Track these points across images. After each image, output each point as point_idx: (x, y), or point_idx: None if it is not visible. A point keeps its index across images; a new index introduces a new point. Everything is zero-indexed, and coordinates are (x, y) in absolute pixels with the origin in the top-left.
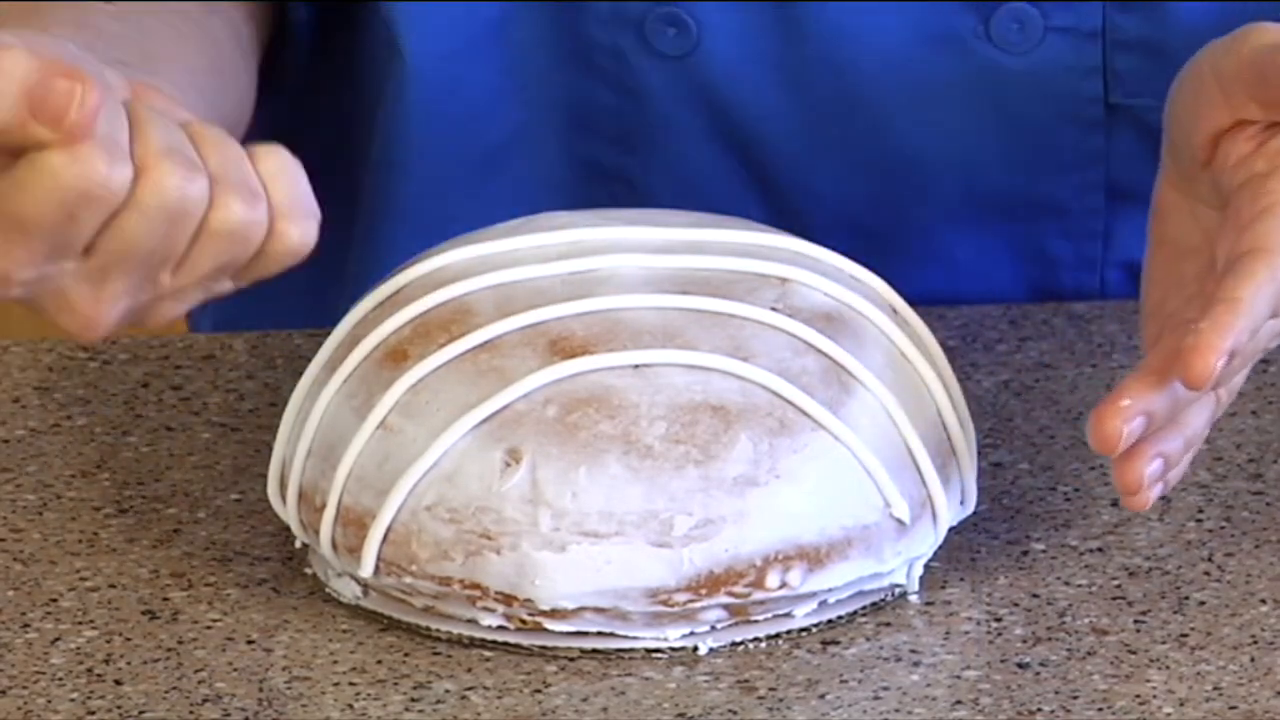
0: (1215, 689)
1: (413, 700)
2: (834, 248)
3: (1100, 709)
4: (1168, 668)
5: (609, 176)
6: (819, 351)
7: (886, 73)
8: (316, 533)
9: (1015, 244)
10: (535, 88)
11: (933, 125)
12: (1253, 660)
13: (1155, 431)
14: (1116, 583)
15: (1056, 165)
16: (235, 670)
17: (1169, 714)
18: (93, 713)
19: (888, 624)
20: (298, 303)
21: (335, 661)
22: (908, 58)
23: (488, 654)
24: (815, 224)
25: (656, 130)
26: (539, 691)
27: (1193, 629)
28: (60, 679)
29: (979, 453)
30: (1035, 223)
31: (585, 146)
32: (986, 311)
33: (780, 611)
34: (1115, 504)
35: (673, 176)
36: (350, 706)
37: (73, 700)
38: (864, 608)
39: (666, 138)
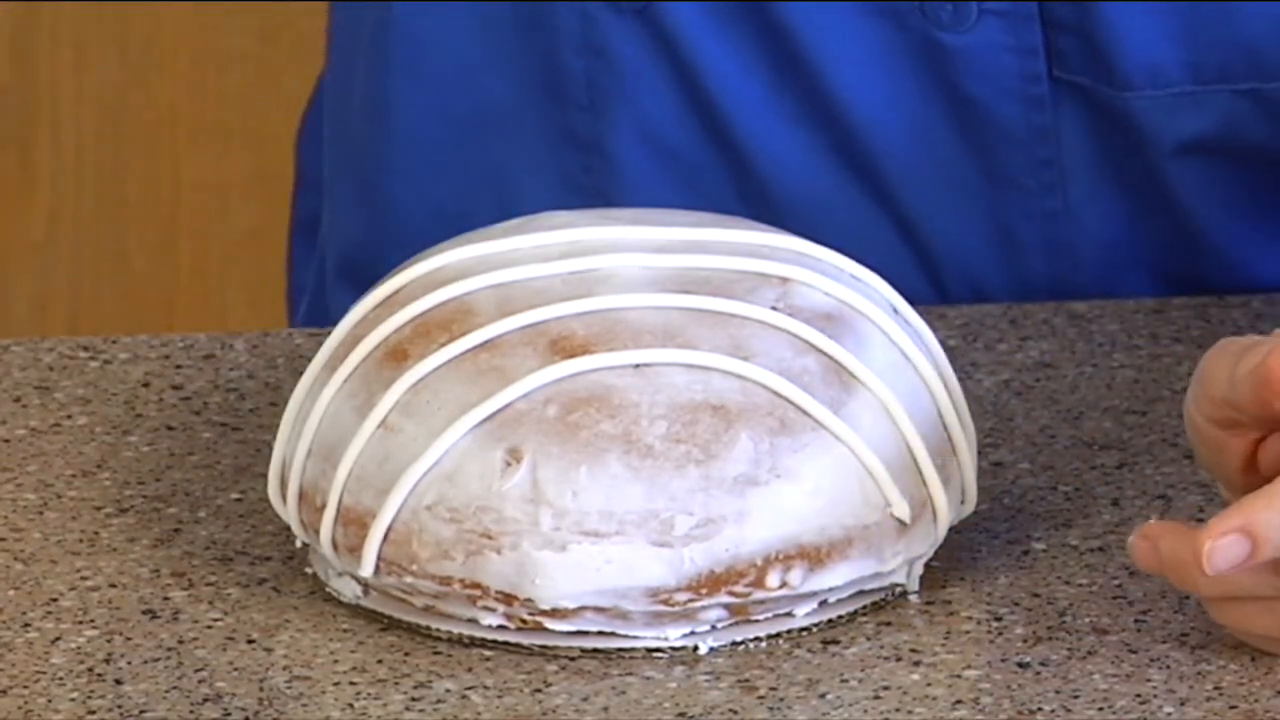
0: (1216, 688)
1: (413, 700)
2: (801, 215)
3: (1101, 708)
4: (1168, 667)
5: (583, 146)
6: (820, 351)
7: (833, 40)
8: (317, 532)
9: (981, 222)
10: (509, 58)
11: (883, 94)
12: (1253, 660)
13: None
14: (1117, 582)
15: (1008, 141)
16: (236, 670)
17: (1170, 713)
18: (93, 712)
19: (888, 623)
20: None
21: (336, 661)
22: (851, 26)
23: (488, 653)
24: (780, 185)
25: (625, 91)
26: (539, 691)
27: (1193, 628)
28: (61, 678)
29: (979, 452)
30: (996, 199)
31: (559, 116)
32: (987, 310)
33: (781, 611)
34: (1116, 503)
35: (643, 140)
36: (351, 706)
37: (73, 700)
38: (864, 607)
39: (635, 98)
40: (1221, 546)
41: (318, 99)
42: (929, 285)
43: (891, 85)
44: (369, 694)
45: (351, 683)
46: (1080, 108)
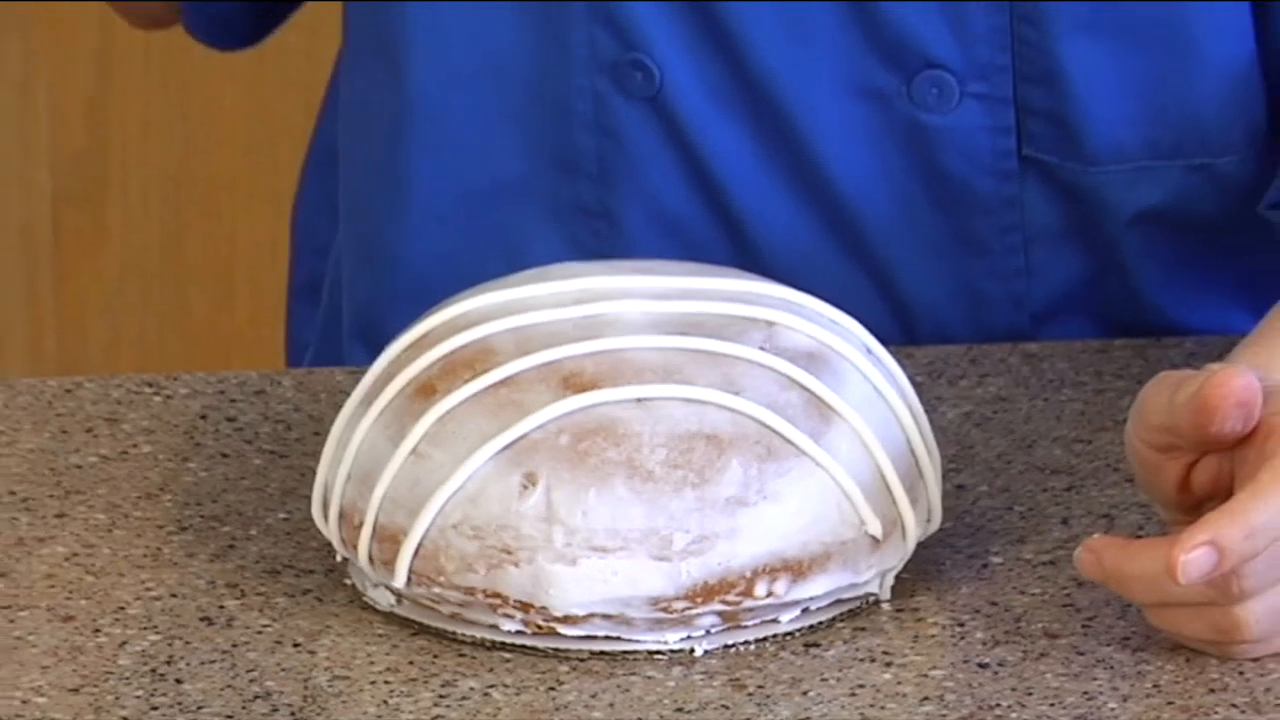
0: (1155, 686)
1: (440, 697)
2: (787, 270)
3: (1052, 704)
4: (1112, 667)
5: (591, 214)
6: (801, 387)
7: (825, 120)
8: (355, 548)
9: (950, 280)
10: (524, 135)
11: (869, 169)
12: (1188, 660)
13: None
14: (1066, 592)
15: (978, 209)
16: (283, 670)
17: (1114, 709)
18: (156, 708)
19: (863, 629)
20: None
21: (372, 662)
22: (842, 109)
23: (507, 655)
24: (773, 253)
25: (632, 168)
26: (553, 689)
27: (1134, 632)
28: (127, 678)
29: (944, 476)
30: (965, 261)
31: (571, 188)
32: (950, 350)
33: (767, 618)
34: (1065, 522)
35: (648, 211)
36: (385, 703)
37: (138, 697)
38: (842, 614)
39: (641, 175)
40: (1193, 559)
41: (311, 173)
42: (899, 329)
43: (876, 160)
44: (401, 692)
45: (386, 682)
46: (1044, 180)
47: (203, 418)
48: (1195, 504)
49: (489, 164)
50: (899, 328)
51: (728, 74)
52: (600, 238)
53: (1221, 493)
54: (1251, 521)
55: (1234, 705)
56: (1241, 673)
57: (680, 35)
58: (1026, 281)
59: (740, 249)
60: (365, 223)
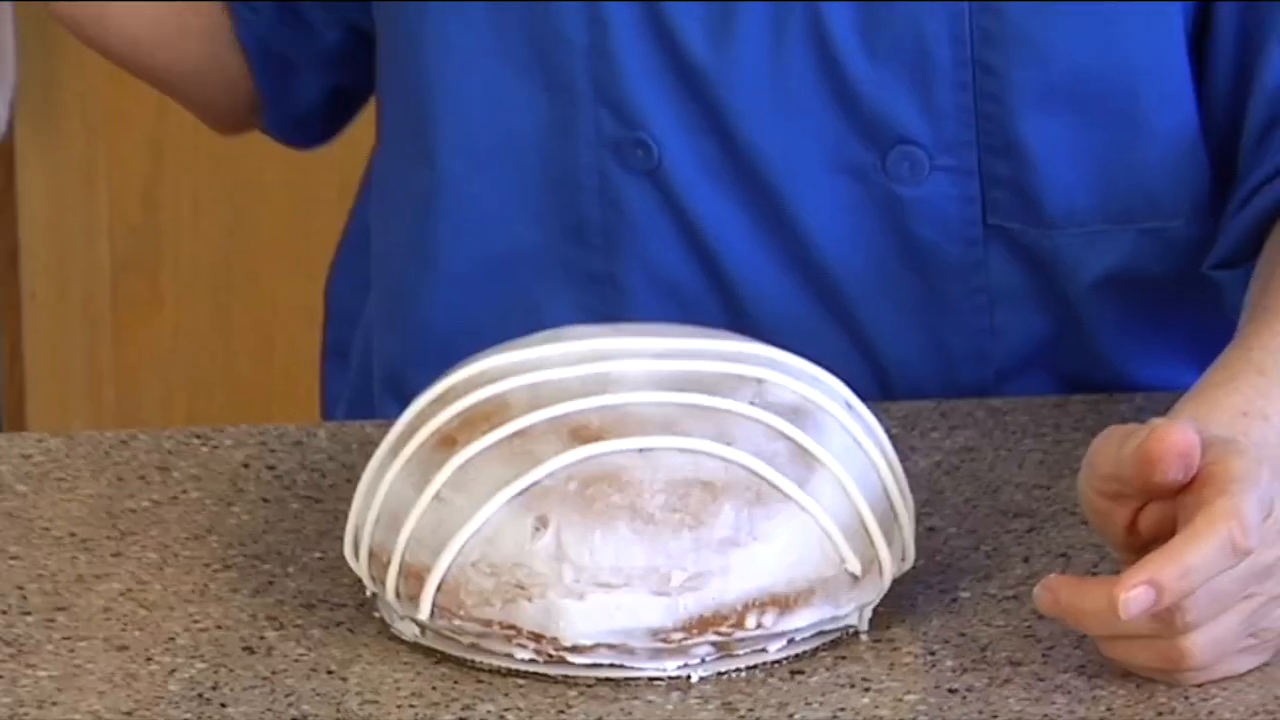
0: (1108, 710)
1: (460, 719)
2: (775, 332)
3: None
4: (1070, 692)
5: (598, 280)
6: (787, 438)
7: (809, 193)
8: (383, 584)
9: (922, 339)
10: (540, 207)
11: (848, 237)
12: (1138, 686)
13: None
14: (1028, 624)
15: (947, 272)
16: (318, 695)
17: None
18: None
19: (843, 657)
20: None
21: (399, 688)
22: (824, 182)
23: (521, 682)
24: (762, 316)
25: (635, 237)
26: (562, 713)
27: (1090, 661)
28: (176, 703)
29: (916, 519)
30: (935, 321)
31: (580, 256)
32: (922, 405)
33: (757, 647)
34: (1026, 560)
35: (648, 276)
36: None
37: (193, 714)
38: (824, 644)
39: (642, 243)
40: (1134, 597)
41: (345, 251)
42: (876, 385)
43: (854, 228)
44: (426, 715)
45: (411, 705)
46: (1007, 245)
47: (245, 466)
48: (1143, 545)
49: (508, 234)
50: (876, 383)
51: (721, 150)
52: (606, 301)
53: (1166, 535)
54: (1187, 562)
55: None
56: (1186, 697)
57: (677, 115)
58: (991, 340)
59: (732, 311)
60: (397, 289)
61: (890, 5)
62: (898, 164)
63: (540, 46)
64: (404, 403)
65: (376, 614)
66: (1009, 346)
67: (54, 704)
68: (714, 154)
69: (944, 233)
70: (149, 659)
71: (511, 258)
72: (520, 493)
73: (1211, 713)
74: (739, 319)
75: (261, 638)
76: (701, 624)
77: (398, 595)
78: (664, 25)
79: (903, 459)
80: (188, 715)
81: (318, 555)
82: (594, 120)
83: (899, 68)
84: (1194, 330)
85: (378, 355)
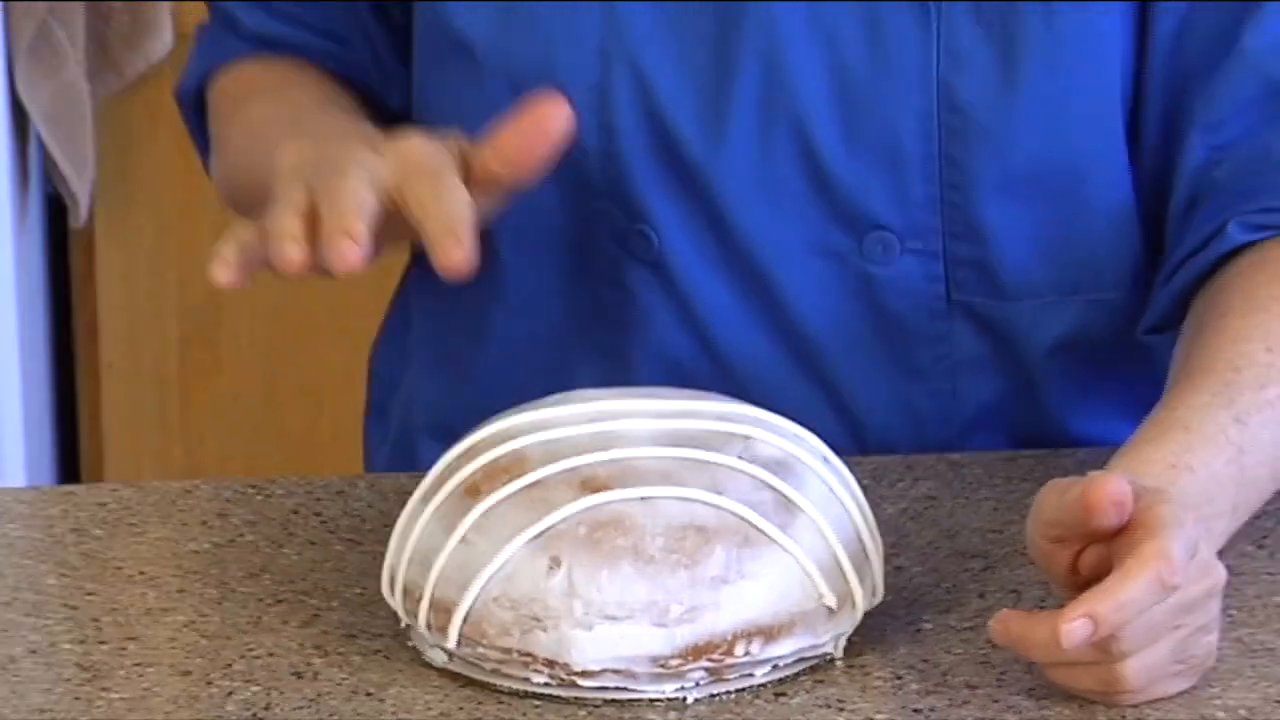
0: (1071, 703)
1: None
2: (763, 397)
3: None
4: (1020, 712)
5: (611, 355)
6: (772, 488)
7: (794, 274)
8: (416, 616)
9: (893, 400)
10: (567, 291)
11: (828, 312)
12: (1080, 707)
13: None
14: (984, 652)
15: (915, 342)
16: (358, 715)
17: None
18: None
19: (821, 681)
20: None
21: (429, 709)
22: (807, 265)
23: (536, 703)
24: (750, 381)
25: (641, 316)
26: None
27: (1037, 685)
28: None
29: (885, 559)
30: (905, 384)
31: (596, 333)
32: (890, 460)
33: (745, 672)
34: (981, 596)
35: (652, 351)
36: None
37: None
38: (804, 669)
39: (647, 322)
40: (1074, 628)
41: (388, 326)
42: (852, 440)
43: (834, 305)
44: None
45: None
46: (969, 317)
47: (295, 513)
48: (1084, 583)
49: (544, 313)
50: (852, 439)
51: (715, 238)
52: (618, 370)
53: (1103, 574)
54: (1121, 598)
55: None
56: (1124, 717)
57: (675, 208)
58: (954, 400)
59: (724, 377)
60: (452, 356)
61: (868, 106)
62: (872, 247)
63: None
64: (448, 449)
65: (409, 643)
66: (970, 406)
67: None
68: (709, 242)
69: (912, 307)
70: (209, 682)
71: (545, 333)
72: (536, 536)
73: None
74: (730, 384)
75: (308, 664)
76: (696, 652)
77: (428, 626)
78: (664, 128)
79: (873, 507)
80: None
81: (358, 591)
82: (607, 215)
83: (874, 162)
84: (1130, 388)
85: (425, 409)
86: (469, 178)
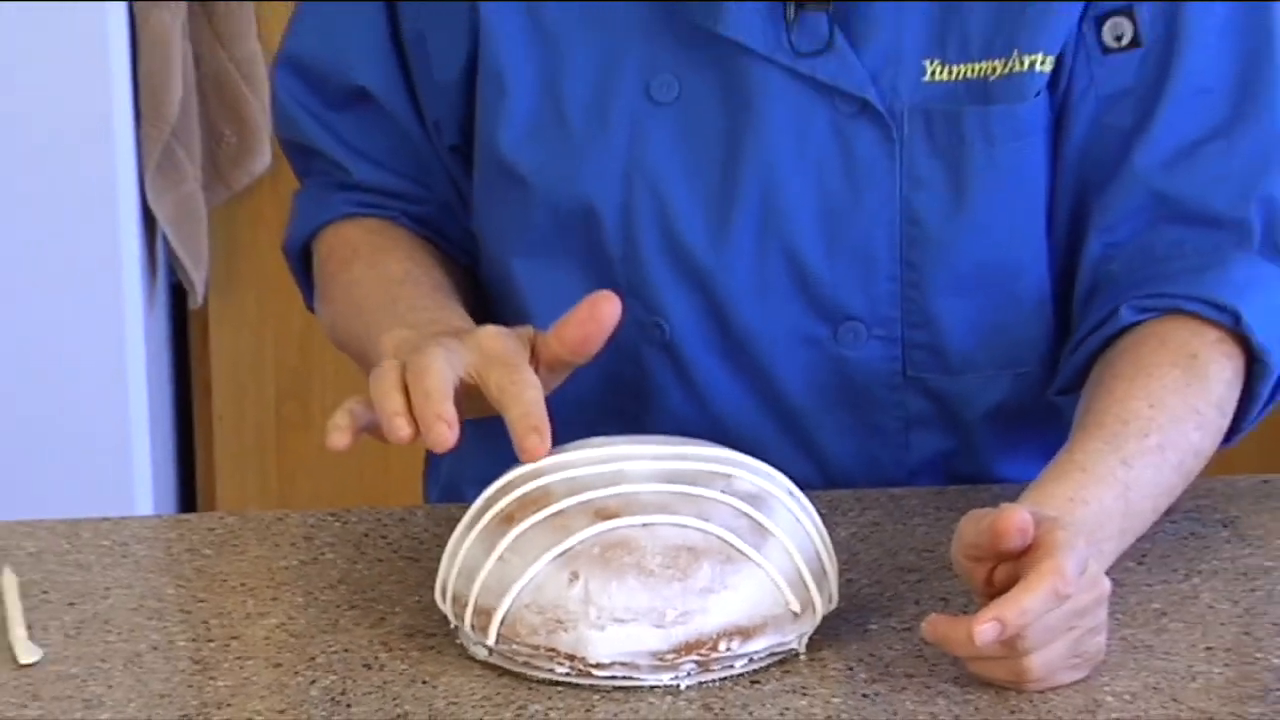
0: (975, 709)
1: (517, 715)
2: (749, 449)
3: None
4: (949, 697)
5: (630, 419)
6: (749, 516)
7: (780, 358)
8: (462, 620)
9: (857, 452)
10: (597, 369)
11: (807, 387)
12: (996, 693)
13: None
14: (918, 648)
15: (877, 407)
16: (416, 698)
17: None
18: None
19: (788, 671)
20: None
21: (473, 694)
22: (791, 350)
23: (559, 689)
24: (739, 436)
25: (655, 392)
26: (589, 711)
27: (961, 675)
28: (316, 704)
29: (839, 573)
30: (867, 441)
31: (618, 403)
32: (843, 494)
33: (727, 664)
34: (917, 603)
35: (664, 418)
36: (480, 719)
37: (326, 713)
38: (774, 662)
39: (660, 396)
40: (984, 629)
41: None
42: (823, 480)
43: (811, 380)
44: (491, 712)
45: (481, 706)
46: (920, 388)
47: (365, 536)
48: (997, 593)
49: (578, 387)
50: (823, 479)
51: (716, 329)
52: (631, 432)
53: (1011, 586)
54: (1023, 605)
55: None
56: (1030, 700)
57: (684, 304)
58: (906, 452)
59: (719, 435)
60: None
61: (844, 222)
62: (845, 335)
63: (591, 258)
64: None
65: (457, 641)
66: (918, 455)
67: (229, 705)
68: (711, 331)
69: (875, 381)
70: (296, 673)
71: (575, 402)
72: (559, 555)
73: (1050, 710)
74: (724, 440)
75: (376, 657)
76: (687, 648)
77: (472, 628)
78: (677, 239)
79: (829, 531)
80: (324, 713)
81: (416, 599)
82: (628, 309)
83: (848, 266)
84: (1042, 437)
85: (470, 465)
86: (536, 359)
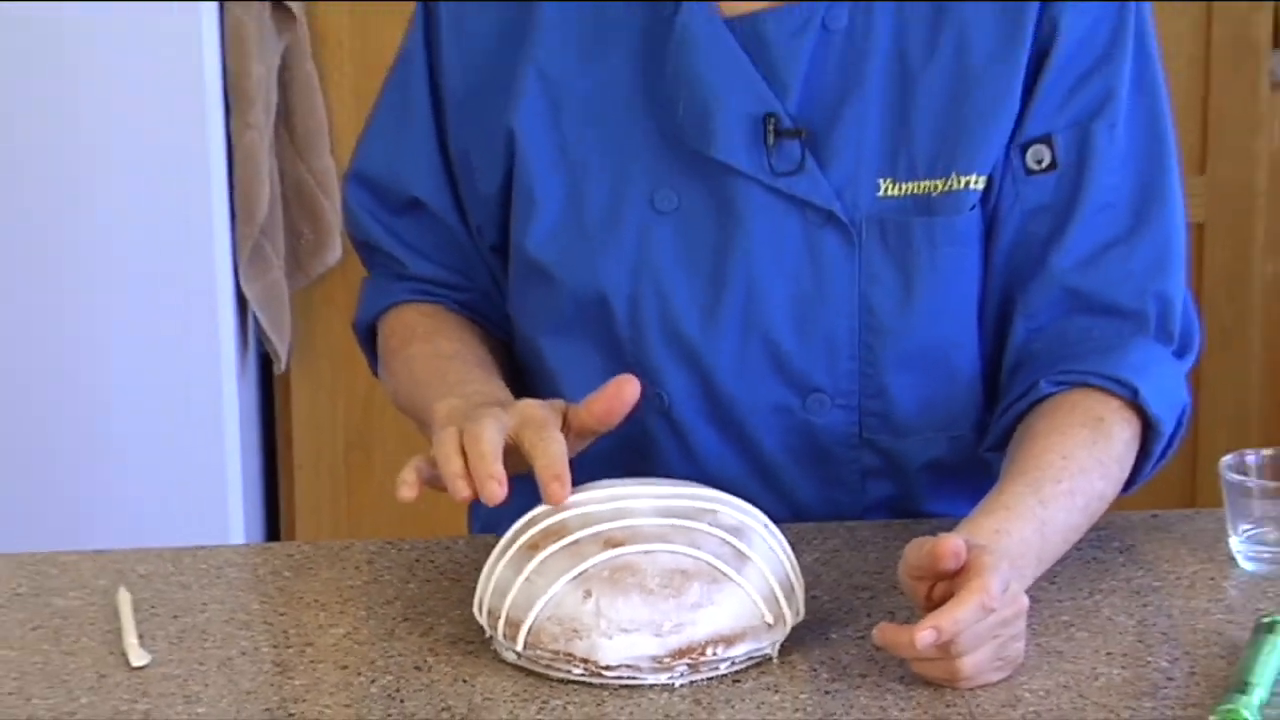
0: (918, 704)
1: (540, 709)
2: (734, 489)
3: (864, 713)
4: (896, 693)
5: (631, 468)
6: (731, 544)
7: (759, 424)
8: (496, 630)
9: (820, 496)
10: (612, 431)
11: (780, 447)
12: (935, 690)
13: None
14: (871, 652)
15: (838, 463)
16: (457, 694)
17: (896, 714)
18: (390, 715)
19: (764, 673)
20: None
21: (505, 690)
22: (767, 418)
23: (576, 687)
24: (727, 485)
25: (656, 451)
26: (600, 704)
27: (906, 674)
28: (376, 699)
29: (805, 591)
30: (828, 488)
31: (625, 458)
32: (808, 526)
33: (713, 666)
34: (869, 615)
35: (663, 470)
36: (512, 713)
37: (382, 709)
38: (752, 665)
39: (660, 454)
40: (923, 635)
41: None
42: (792, 516)
43: (783, 441)
44: (520, 707)
45: (510, 702)
46: (873, 447)
47: (417, 561)
48: (935, 607)
49: (599, 445)
50: (791, 515)
51: (706, 399)
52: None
53: (947, 601)
54: (955, 615)
55: (960, 713)
56: (962, 696)
57: (680, 378)
58: (861, 495)
59: (706, 480)
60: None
61: (813, 313)
62: (812, 405)
63: (605, 339)
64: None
65: (491, 647)
66: (870, 498)
67: (303, 701)
68: (702, 401)
69: (836, 442)
70: (359, 674)
71: (591, 457)
72: (575, 577)
73: (979, 705)
74: (709, 482)
75: (425, 660)
76: (680, 653)
77: (504, 636)
78: (675, 326)
79: (797, 557)
80: (381, 707)
81: (458, 612)
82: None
83: (816, 349)
84: (972, 484)
85: (503, 504)
86: (567, 428)
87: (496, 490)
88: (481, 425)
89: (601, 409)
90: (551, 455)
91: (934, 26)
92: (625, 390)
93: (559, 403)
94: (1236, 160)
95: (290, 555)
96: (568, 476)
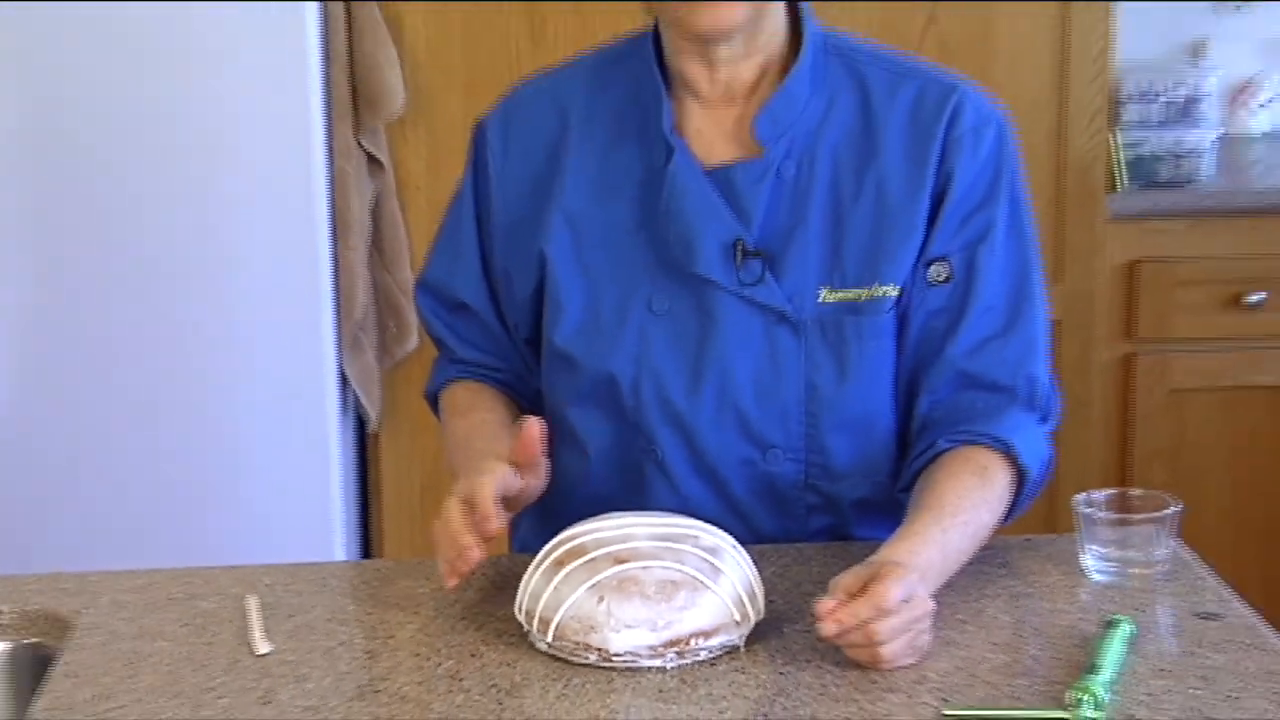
0: (851, 682)
1: (565, 688)
2: (710, 519)
3: (809, 689)
4: (833, 672)
5: (633, 505)
6: (710, 561)
7: (730, 473)
8: (531, 626)
9: (776, 527)
10: (616, 479)
11: (745, 490)
12: (863, 671)
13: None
14: (815, 642)
15: (791, 504)
16: (502, 675)
17: (835, 690)
18: (450, 691)
19: (734, 659)
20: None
21: (537, 671)
22: (734, 468)
23: (591, 669)
24: (705, 514)
25: (651, 493)
26: (610, 682)
27: (842, 659)
28: (440, 679)
29: (765, 596)
30: (781, 520)
31: (629, 500)
32: (766, 548)
33: (696, 654)
34: (813, 615)
35: (654, 505)
36: (542, 689)
37: (444, 686)
38: (724, 653)
39: (656, 497)
40: (826, 625)
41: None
42: (754, 539)
43: (748, 486)
44: (549, 684)
45: (542, 680)
46: (815, 490)
47: (472, 573)
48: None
49: (605, 489)
50: (754, 539)
51: (690, 454)
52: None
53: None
54: (853, 612)
55: (880, 688)
56: (883, 674)
57: (670, 439)
58: (806, 525)
59: (689, 513)
60: (551, 510)
61: (771, 390)
62: (770, 458)
63: (614, 409)
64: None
65: (528, 640)
66: (813, 528)
67: (386, 680)
68: (687, 454)
69: (788, 486)
70: (428, 659)
71: (602, 497)
72: (591, 585)
73: (894, 682)
74: (692, 515)
75: (479, 649)
76: (671, 644)
77: (537, 631)
78: (667, 400)
79: (761, 571)
80: (445, 684)
81: (503, 612)
82: (636, 441)
83: (772, 417)
84: (890, 516)
85: (537, 530)
86: (519, 473)
87: (451, 579)
88: (483, 490)
89: (521, 455)
90: (449, 555)
91: (860, 174)
92: (532, 430)
93: (503, 463)
94: (1083, 274)
95: (378, 570)
96: (464, 569)
